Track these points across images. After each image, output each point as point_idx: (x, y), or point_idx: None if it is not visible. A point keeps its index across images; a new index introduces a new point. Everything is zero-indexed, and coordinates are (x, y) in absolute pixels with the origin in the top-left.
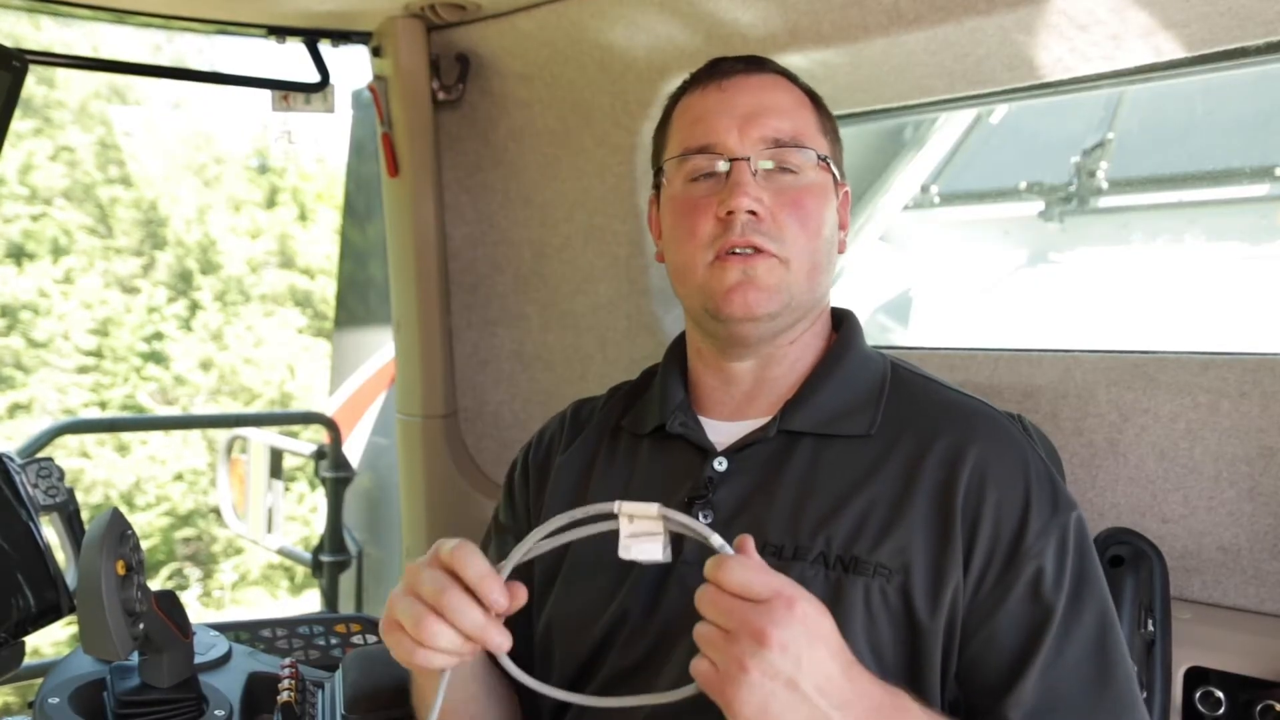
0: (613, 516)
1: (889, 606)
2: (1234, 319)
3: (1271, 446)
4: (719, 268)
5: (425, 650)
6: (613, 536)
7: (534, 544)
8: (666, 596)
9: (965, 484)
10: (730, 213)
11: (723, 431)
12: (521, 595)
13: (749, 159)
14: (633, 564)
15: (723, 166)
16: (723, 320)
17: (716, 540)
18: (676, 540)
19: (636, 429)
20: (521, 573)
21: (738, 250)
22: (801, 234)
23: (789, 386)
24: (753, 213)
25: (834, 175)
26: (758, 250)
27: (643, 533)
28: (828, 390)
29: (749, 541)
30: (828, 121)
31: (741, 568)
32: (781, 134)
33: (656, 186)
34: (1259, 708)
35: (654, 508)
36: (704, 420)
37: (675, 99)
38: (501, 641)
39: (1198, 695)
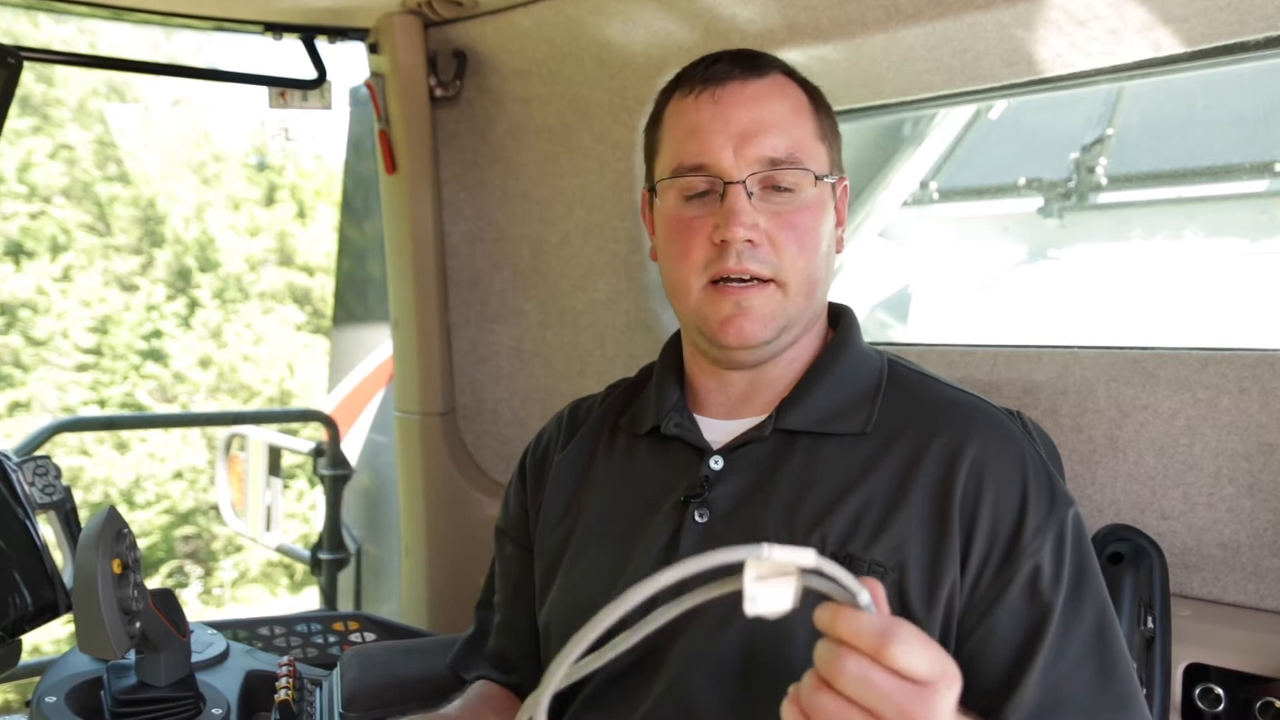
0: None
1: None
2: (1233, 315)
3: (1271, 443)
4: (714, 296)
5: None
6: (611, 533)
7: (660, 585)
8: (663, 595)
9: (963, 482)
10: (725, 240)
11: (719, 430)
12: None
13: (744, 182)
14: (630, 561)
15: (718, 188)
16: (719, 347)
17: (865, 598)
18: (675, 531)
19: (634, 428)
20: (524, 570)
21: (733, 278)
22: (800, 255)
23: (785, 385)
24: (749, 240)
25: (831, 184)
26: (755, 278)
27: (777, 571)
28: (823, 389)
29: (881, 593)
30: (826, 120)
31: (919, 644)
32: (777, 153)
33: (650, 188)
34: (1259, 704)
35: (809, 555)
36: (700, 419)
37: (667, 95)
38: None
39: (1197, 692)
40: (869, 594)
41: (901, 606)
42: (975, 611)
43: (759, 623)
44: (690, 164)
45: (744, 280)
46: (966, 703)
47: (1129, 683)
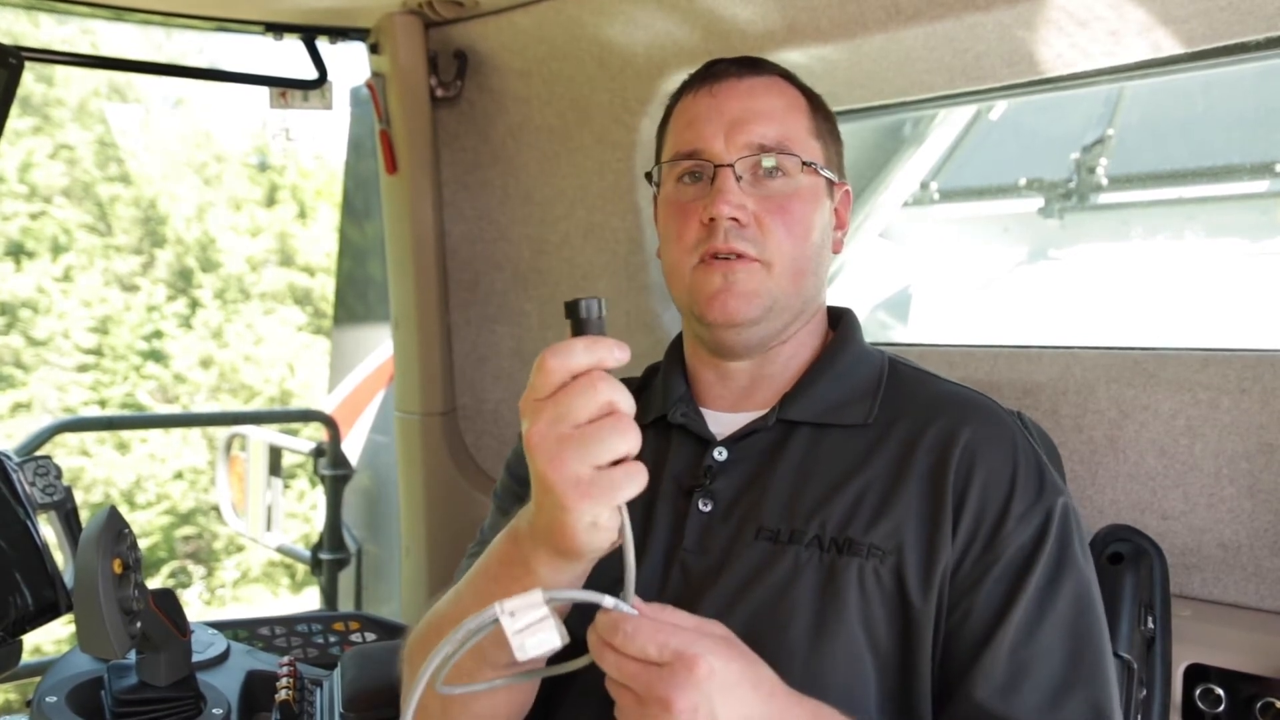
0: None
1: (882, 587)
2: (1234, 315)
3: (1271, 443)
4: (703, 272)
5: (633, 464)
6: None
7: (430, 673)
8: (669, 584)
9: (955, 464)
10: (713, 219)
11: (723, 422)
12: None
13: (733, 165)
14: (638, 547)
15: (709, 172)
16: (707, 325)
17: (609, 601)
18: (679, 520)
19: (638, 419)
20: None
21: (720, 255)
22: (787, 239)
23: (786, 381)
24: (736, 219)
25: (827, 177)
26: (740, 256)
27: (528, 625)
28: (826, 383)
29: (637, 601)
30: (824, 122)
31: (636, 634)
32: (767, 140)
33: (648, 174)
34: (1259, 705)
35: (536, 594)
36: (705, 412)
37: (674, 100)
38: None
39: (1198, 692)
40: (611, 598)
41: (899, 589)
42: (957, 591)
43: (760, 605)
44: (685, 151)
45: (730, 258)
46: (941, 680)
47: (1096, 669)
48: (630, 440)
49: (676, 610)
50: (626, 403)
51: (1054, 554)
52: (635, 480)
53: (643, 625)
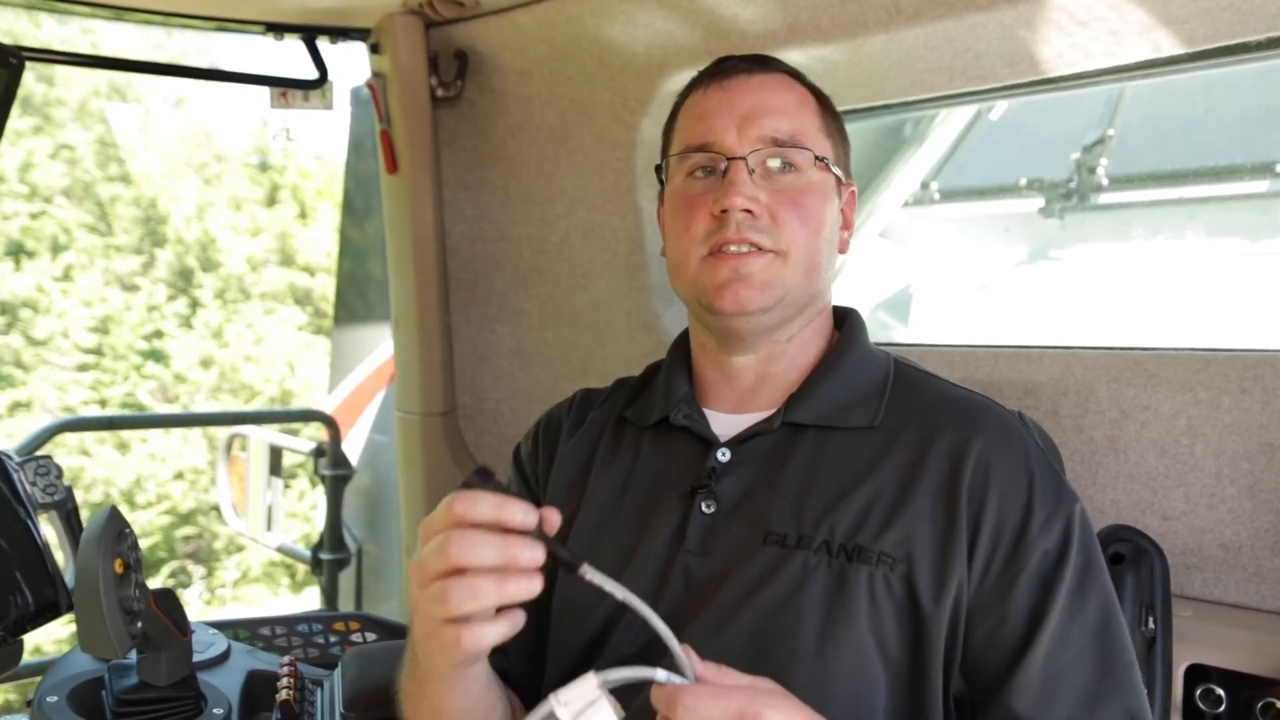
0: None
1: (893, 595)
2: (1235, 315)
3: (1272, 443)
4: (711, 264)
5: (469, 628)
6: (616, 524)
7: None
8: (669, 585)
9: (969, 476)
10: (725, 211)
11: (726, 423)
12: (555, 517)
13: (745, 158)
14: (635, 553)
15: (721, 165)
16: (715, 314)
17: (661, 675)
18: (682, 521)
19: (640, 420)
20: None
21: (732, 248)
22: (801, 231)
23: (791, 382)
24: (749, 211)
25: (836, 175)
26: (755, 248)
27: (586, 705)
28: (830, 384)
29: (694, 656)
30: (832, 122)
31: (699, 705)
32: (780, 133)
33: (662, 182)
34: (1260, 705)
35: (591, 679)
36: (708, 412)
37: (682, 97)
38: (533, 555)
39: (1198, 693)
40: (664, 672)
41: (910, 597)
42: (983, 605)
43: (768, 610)
44: (696, 144)
45: (742, 250)
46: (973, 695)
47: (1129, 674)
48: (452, 606)
49: (730, 670)
50: (491, 557)
51: (1080, 560)
52: (462, 644)
53: (702, 693)
